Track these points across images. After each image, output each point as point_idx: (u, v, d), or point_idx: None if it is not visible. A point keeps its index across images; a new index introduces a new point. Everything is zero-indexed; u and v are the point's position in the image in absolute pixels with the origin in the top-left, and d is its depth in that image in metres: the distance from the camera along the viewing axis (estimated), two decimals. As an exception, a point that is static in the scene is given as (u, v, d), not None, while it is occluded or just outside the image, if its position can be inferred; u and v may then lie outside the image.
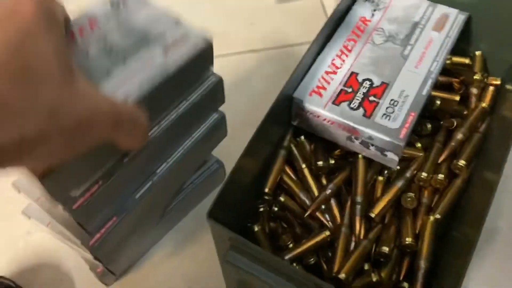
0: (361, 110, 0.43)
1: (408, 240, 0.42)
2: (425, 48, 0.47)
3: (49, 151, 0.24)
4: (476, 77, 0.49)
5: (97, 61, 0.31)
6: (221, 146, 0.45)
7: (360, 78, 0.45)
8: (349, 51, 0.47)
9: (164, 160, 0.39)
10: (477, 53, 0.51)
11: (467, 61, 0.51)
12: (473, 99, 0.49)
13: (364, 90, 0.44)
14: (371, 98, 0.43)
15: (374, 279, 0.41)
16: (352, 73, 0.45)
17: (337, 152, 0.47)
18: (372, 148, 0.43)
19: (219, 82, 0.39)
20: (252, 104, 0.58)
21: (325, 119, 0.43)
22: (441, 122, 0.48)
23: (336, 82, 0.45)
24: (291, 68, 0.42)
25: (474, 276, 0.47)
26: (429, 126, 0.48)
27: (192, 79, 0.37)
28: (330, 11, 0.68)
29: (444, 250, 0.42)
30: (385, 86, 0.44)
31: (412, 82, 0.44)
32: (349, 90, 0.44)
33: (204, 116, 0.41)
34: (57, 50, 0.24)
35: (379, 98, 0.43)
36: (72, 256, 0.48)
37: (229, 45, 0.65)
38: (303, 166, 0.46)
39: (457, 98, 0.48)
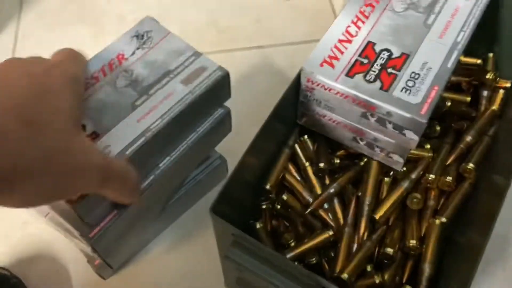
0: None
1: (412, 242, 0.41)
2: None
3: (37, 189, 0.26)
4: (489, 76, 0.47)
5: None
6: (224, 142, 0.45)
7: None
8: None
9: (168, 153, 0.38)
10: (490, 54, 0.50)
11: (478, 61, 0.49)
12: (484, 102, 0.48)
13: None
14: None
15: (377, 281, 0.40)
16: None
17: (341, 152, 0.46)
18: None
19: (225, 76, 0.38)
20: (256, 101, 0.57)
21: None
22: (452, 124, 0.47)
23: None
24: (298, 66, 0.40)
25: (483, 284, 0.46)
26: (438, 128, 0.47)
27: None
28: (338, 8, 0.67)
29: (448, 254, 0.41)
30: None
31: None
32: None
33: (209, 111, 0.40)
34: (72, 106, 0.29)
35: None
36: (69, 248, 0.47)
37: (235, 40, 0.64)
38: (307, 164, 0.45)
39: (468, 99, 0.47)
